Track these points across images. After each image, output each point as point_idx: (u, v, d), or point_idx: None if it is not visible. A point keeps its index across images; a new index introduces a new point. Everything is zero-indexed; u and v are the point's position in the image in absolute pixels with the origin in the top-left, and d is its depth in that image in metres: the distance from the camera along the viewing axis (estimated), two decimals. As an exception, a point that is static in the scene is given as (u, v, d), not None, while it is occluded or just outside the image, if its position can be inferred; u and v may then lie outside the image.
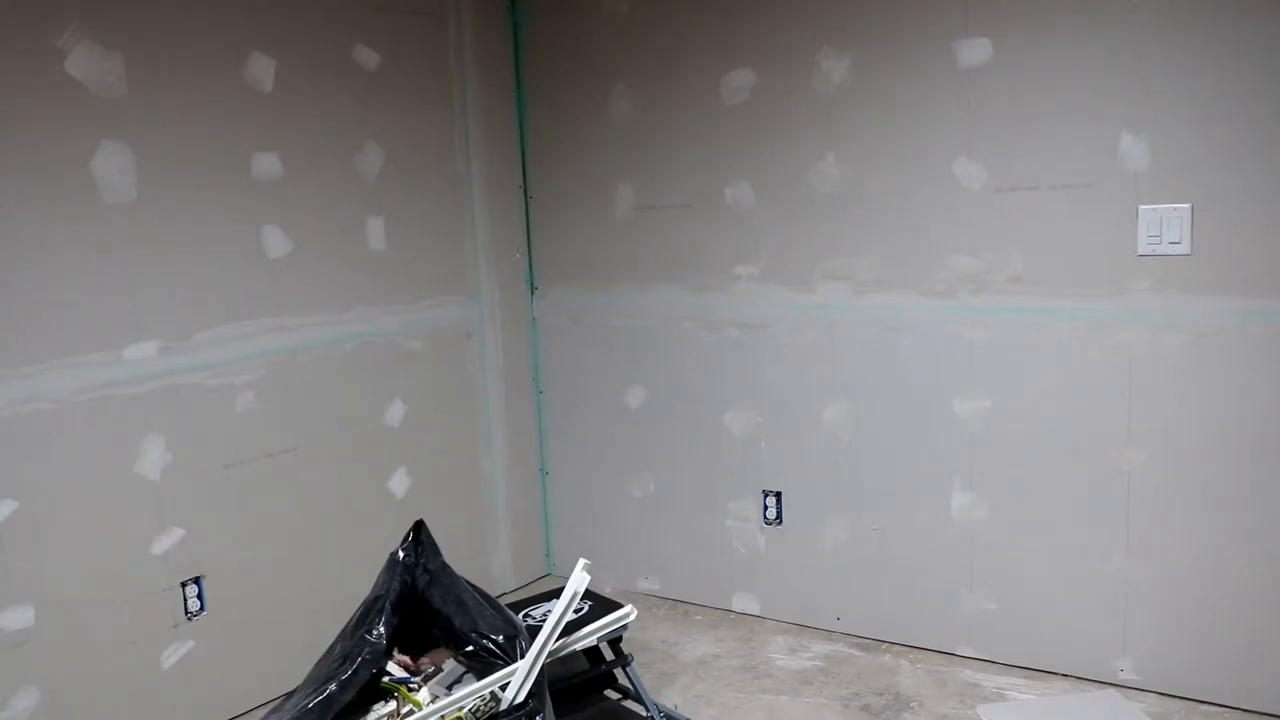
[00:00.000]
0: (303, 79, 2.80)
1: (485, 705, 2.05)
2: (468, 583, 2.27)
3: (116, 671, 2.45)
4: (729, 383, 3.17)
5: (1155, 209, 2.45)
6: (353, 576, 2.71)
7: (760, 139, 3.00)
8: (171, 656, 2.57)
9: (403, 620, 2.19)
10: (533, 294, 3.55)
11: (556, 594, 2.30)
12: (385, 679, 2.13)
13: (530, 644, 2.09)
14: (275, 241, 2.77)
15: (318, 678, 2.07)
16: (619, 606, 2.45)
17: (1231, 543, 2.46)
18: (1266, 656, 2.45)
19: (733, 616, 3.23)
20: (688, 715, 2.60)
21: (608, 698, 2.65)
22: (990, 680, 2.72)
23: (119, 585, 2.46)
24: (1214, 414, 2.45)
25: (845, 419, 2.98)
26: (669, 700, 2.68)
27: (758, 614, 3.21)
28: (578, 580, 2.17)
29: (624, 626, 2.41)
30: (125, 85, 2.42)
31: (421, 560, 2.26)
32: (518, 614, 2.42)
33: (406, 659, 2.22)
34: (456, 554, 2.72)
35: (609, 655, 2.56)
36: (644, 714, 2.53)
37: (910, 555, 2.91)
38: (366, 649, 2.09)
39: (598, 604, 2.51)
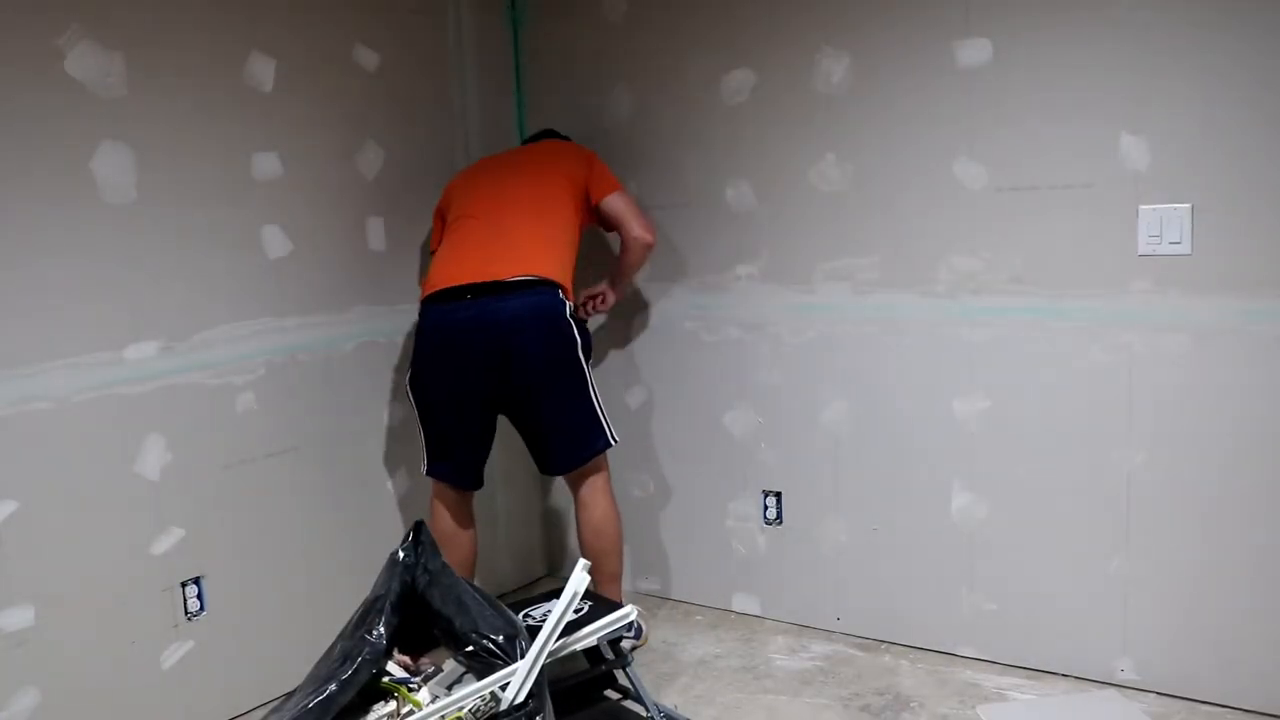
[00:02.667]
0: (303, 79, 2.80)
1: (485, 705, 2.04)
2: (468, 583, 2.27)
3: (116, 672, 2.45)
4: (729, 383, 3.17)
5: (1155, 209, 2.44)
6: (352, 577, 2.71)
7: (760, 139, 3.00)
8: (171, 657, 2.57)
9: (403, 620, 2.19)
10: (533, 294, 3.54)
11: (556, 594, 2.30)
12: (385, 679, 2.13)
13: (530, 644, 2.09)
14: (275, 241, 2.77)
15: (318, 678, 2.07)
16: (619, 606, 2.45)
17: (1232, 542, 2.46)
18: (1267, 657, 2.45)
19: (733, 617, 3.23)
20: (688, 715, 2.60)
21: (608, 698, 2.64)
22: (990, 680, 2.72)
23: (119, 585, 2.46)
24: (1214, 414, 2.45)
25: (845, 419, 2.98)
26: (669, 700, 2.68)
27: (758, 614, 3.21)
28: (578, 580, 2.17)
29: (624, 626, 2.41)
30: (125, 85, 2.42)
31: (421, 560, 2.26)
32: (518, 614, 2.42)
33: (406, 659, 2.22)
34: (456, 554, 2.73)
35: (609, 655, 2.56)
36: (644, 714, 2.52)
37: (910, 555, 2.91)
38: (366, 649, 2.09)
39: (598, 604, 2.51)
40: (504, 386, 2.72)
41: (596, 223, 2.98)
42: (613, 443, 2.84)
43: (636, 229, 2.90)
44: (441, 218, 2.95)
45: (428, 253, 3.05)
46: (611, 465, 3.30)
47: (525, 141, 3.25)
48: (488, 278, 2.68)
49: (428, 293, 2.74)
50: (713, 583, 3.30)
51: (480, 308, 2.65)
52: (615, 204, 2.91)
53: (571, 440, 2.80)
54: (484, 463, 2.87)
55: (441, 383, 2.74)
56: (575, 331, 2.73)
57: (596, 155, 2.99)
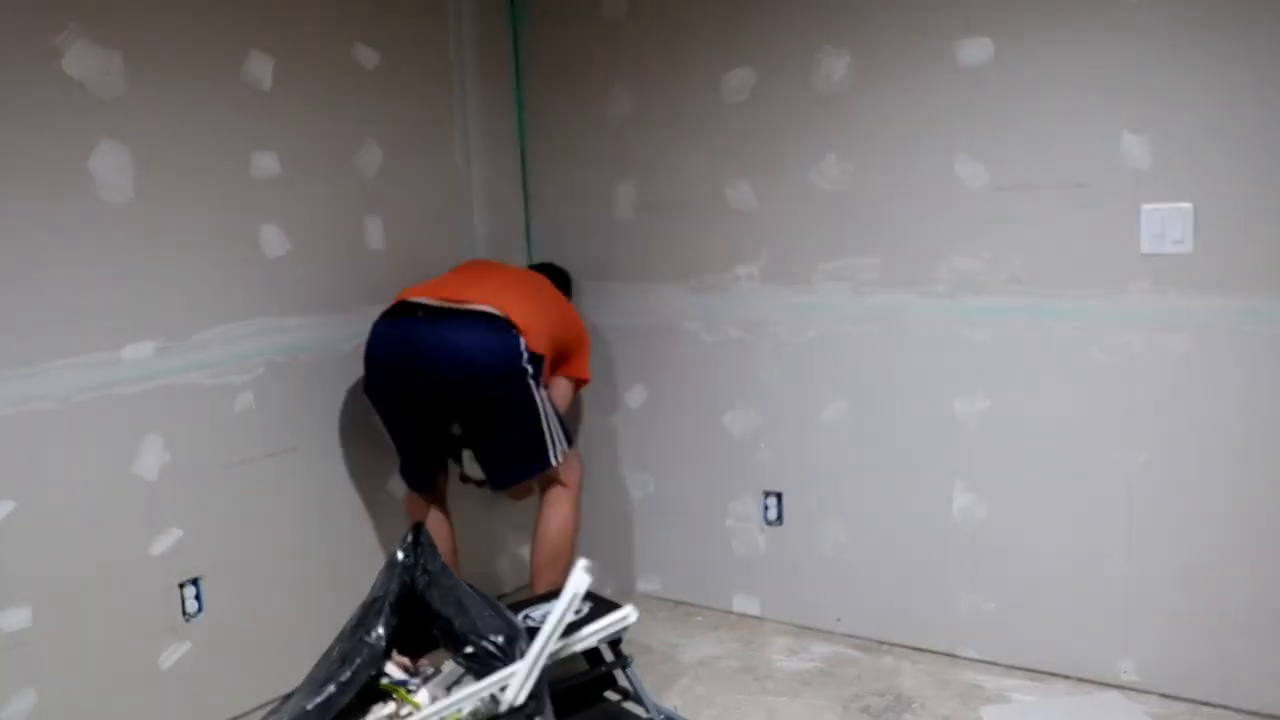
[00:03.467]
0: (302, 78, 2.80)
1: (485, 707, 2.04)
2: (467, 584, 2.27)
3: (114, 673, 2.45)
4: (729, 383, 3.16)
5: (1157, 208, 2.44)
6: (352, 578, 2.70)
7: (760, 138, 2.99)
8: (169, 658, 2.56)
9: (402, 621, 2.19)
10: (532, 294, 3.54)
11: (556, 595, 2.29)
12: (384, 680, 2.12)
13: (530, 645, 2.08)
14: (274, 241, 2.76)
15: (316, 679, 2.06)
16: (619, 607, 2.44)
17: (1233, 543, 2.45)
18: (1269, 658, 2.44)
19: (733, 617, 3.23)
20: (688, 716, 2.60)
21: (608, 699, 2.64)
22: (992, 682, 2.72)
23: (117, 586, 2.45)
24: (1215, 414, 2.44)
25: (845, 419, 2.97)
26: (669, 702, 2.67)
27: (758, 615, 3.20)
28: (578, 581, 2.16)
29: (624, 628, 2.40)
30: (124, 84, 2.41)
31: (421, 561, 2.25)
32: (517, 615, 2.42)
33: (405, 660, 2.22)
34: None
35: (609, 656, 2.56)
36: (644, 715, 2.52)
37: (911, 556, 2.91)
38: (365, 650, 2.08)
39: (598, 605, 2.51)
40: (449, 408, 2.70)
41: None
42: (554, 463, 2.76)
43: (561, 405, 2.89)
44: None
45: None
46: (612, 466, 3.31)
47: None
48: (449, 300, 2.66)
49: (388, 307, 2.73)
50: (713, 583, 3.29)
51: (434, 332, 2.61)
52: (566, 389, 2.96)
53: (509, 461, 2.77)
54: (436, 472, 2.86)
55: (389, 394, 2.74)
56: (526, 366, 2.63)
57: (588, 340, 3.01)
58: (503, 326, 2.63)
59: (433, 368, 2.61)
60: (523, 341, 2.63)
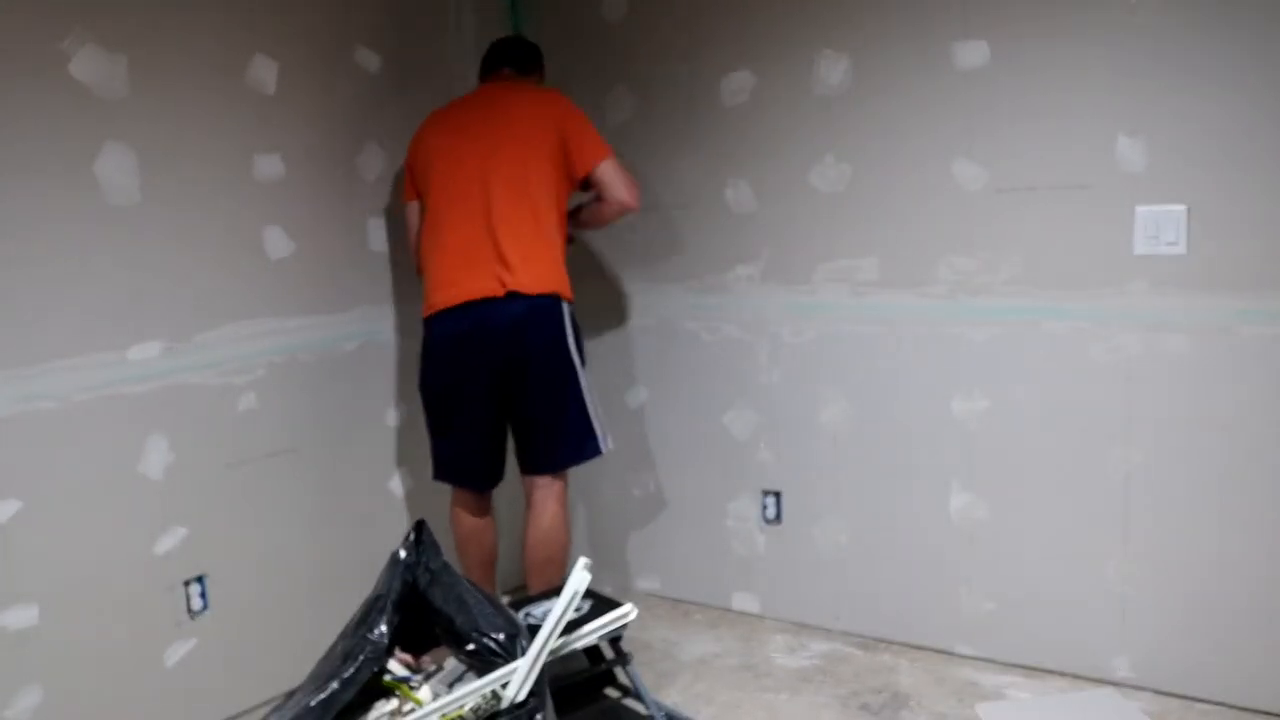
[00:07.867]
0: (305, 81, 2.82)
1: (486, 703, 2.05)
2: (469, 582, 2.28)
3: (119, 670, 2.47)
4: (729, 383, 3.18)
5: (1151, 210, 2.46)
6: (354, 576, 2.72)
7: (760, 139, 3.01)
8: (174, 655, 2.58)
9: (404, 619, 2.20)
10: (533, 294, 3.55)
11: (556, 593, 2.31)
12: (387, 677, 2.14)
13: (531, 643, 2.10)
14: (277, 242, 2.78)
15: (320, 676, 2.08)
16: (619, 605, 2.46)
17: (1229, 541, 2.47)
18: (1264, 655, 2.46)
19: (732, 615, 3.24)
20: (688, 714, 2.61)
21: (608, 696, 2.66)
22: (989, 679, 2.73)
23: (122, 584, 2.47)
24: (1211, 413, 2.46)
25: (845, 419, 2.99)
26: (669, 699, 2.69)
27: (757, 613, 3.22)
28: (578, 580, 2.18)
29: (624, 625, 2.42)
30: (129, 87, 2.43)
31: (423, 560, 2.26)
32: (518, 613, 2.43)
33: (408, 657, 2.23)
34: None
35: (609, 654, 2.57)
36: (644, 712, 2.54)
37: (909, 555, 2.93)
38: (368, 647, 2.09)
39: (598, 603, 2.52)
40: (505, 385, 2.74)
41: (578, 188, 2.81)
42: (603, 450, 2.84)
43: (621, 194, 2.75)
44: (413, 173, 2.85)
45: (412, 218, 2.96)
46: (612, 465, 3.32)
47: (492, 58, 2.94)
48: (484, 295, 2.68)
49: (429, 314, 2.75)
50: (712, 582, 3.31)
51: (479, 313, 2.68)
52: (603, 174, 2.74)
53: (564, 438, 2.80)
54: (499, 461, 2.87)
55: (448, 387, 2.76)
56: (570, 333, 2.74)
57: (578, 116, 2.77)
58: (542, 296, 2.71)
59: (491, 345, 2.68)
60: (565, 308, 2.74)
